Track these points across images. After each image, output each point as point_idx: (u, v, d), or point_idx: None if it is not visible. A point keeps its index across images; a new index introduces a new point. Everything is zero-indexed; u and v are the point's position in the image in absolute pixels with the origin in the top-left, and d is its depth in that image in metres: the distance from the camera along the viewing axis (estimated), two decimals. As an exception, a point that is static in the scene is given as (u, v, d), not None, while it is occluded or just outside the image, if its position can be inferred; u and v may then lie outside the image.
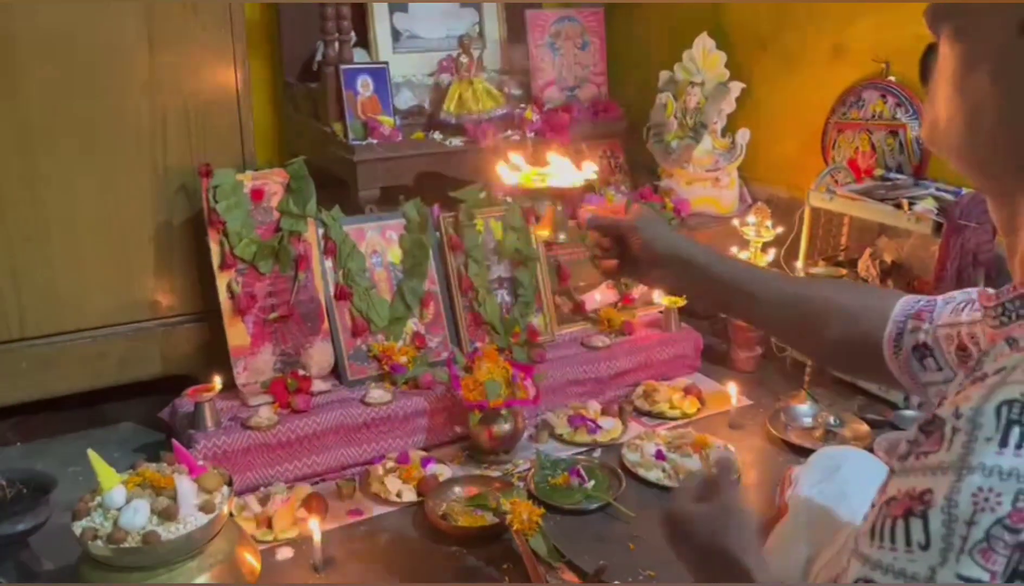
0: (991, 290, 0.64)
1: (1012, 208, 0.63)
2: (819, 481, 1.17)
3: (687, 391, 2.03)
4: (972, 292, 0.89)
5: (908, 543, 0.50)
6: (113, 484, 1.28)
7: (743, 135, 2.41)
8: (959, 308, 0.89)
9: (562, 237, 1.19)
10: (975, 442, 0.49)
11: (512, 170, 1.21)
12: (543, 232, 1.22)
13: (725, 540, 0.92)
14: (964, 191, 1.89)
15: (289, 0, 2.46)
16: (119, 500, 1.27)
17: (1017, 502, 0.47)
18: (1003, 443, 0.48)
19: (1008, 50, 0.58)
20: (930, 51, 0.66)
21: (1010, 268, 0.65)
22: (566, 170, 1.19)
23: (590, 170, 1.20)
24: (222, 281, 1.79)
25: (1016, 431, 0.48)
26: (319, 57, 2.36)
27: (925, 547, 0.49)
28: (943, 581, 0.48)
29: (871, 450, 1.73)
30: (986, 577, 0.47)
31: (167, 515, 1.25)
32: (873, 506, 0.56)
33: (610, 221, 1.12)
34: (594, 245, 1.14)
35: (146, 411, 1.93)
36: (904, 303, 0.95)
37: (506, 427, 1.77)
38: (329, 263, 1.90)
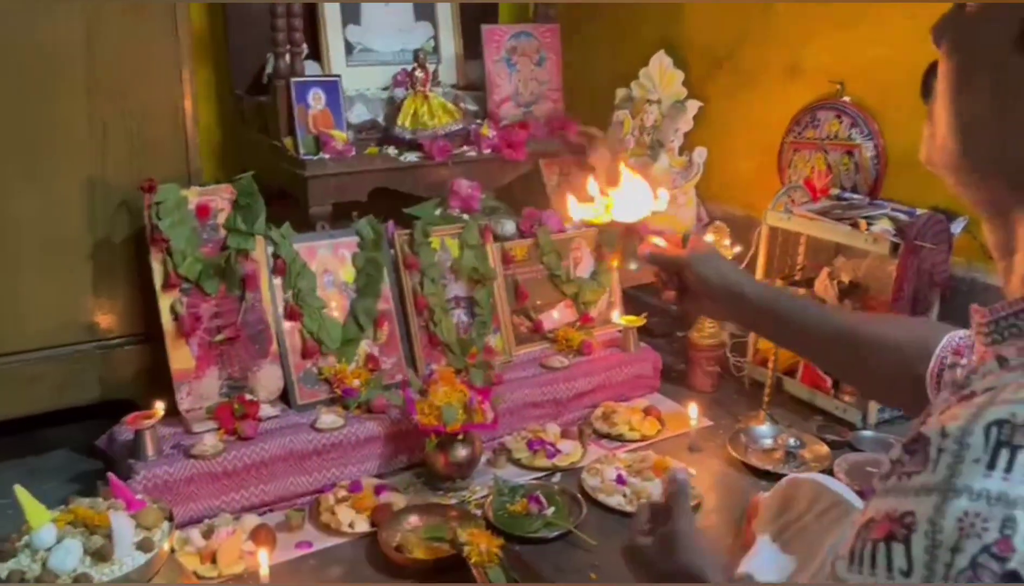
0: (983, 307, 0.62)
1: (1008, 229, 0.61)
2: (786, 506, 1.15)
3: (647, 412, 2.00)
4: None
5: (889, 569, 0.47)
6: (42, 522, 1.20)
7: (700, 154, 2.40)
8: None
9: (634, 267, 1.23)
10: (962, 463, 0.47)
11: (581, 203, 1.25)
12: (614, 263, 1.28)
13: (678, 563, 0.92)
14: (919, 212, 1.90)
15: (237, 0, 2.38)
16: (48, 540, 1.18)
17: (1005, 529, 0.44)
18: (991, 465, 0.46)
19: (1004, 65, 0.57)
20: (932, 69, 0.65)
21: (1004, 288, 0.63)
22: (636, 199, 1.23)
23: (663, 199, 1.24)
24: (165, 302, 1.71)
25: (1005, 453, 0.46)
26: (269, 69, 2.29)
27: (907, 573, 0.46)
28: None
29: (831, 471, 1.73)
30: None
31: (101, 556, 1.17)
32: (852, 528, 0.53)
33: (667, 257, 1.16)
34: (656, 278, 1.19)
35: (83, 438, 1.84)
36: (949, 338, 0.96)
37: (463, 453, 1.71)
38: (278, 282, 1.83)
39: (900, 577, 0.47)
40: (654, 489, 1.70)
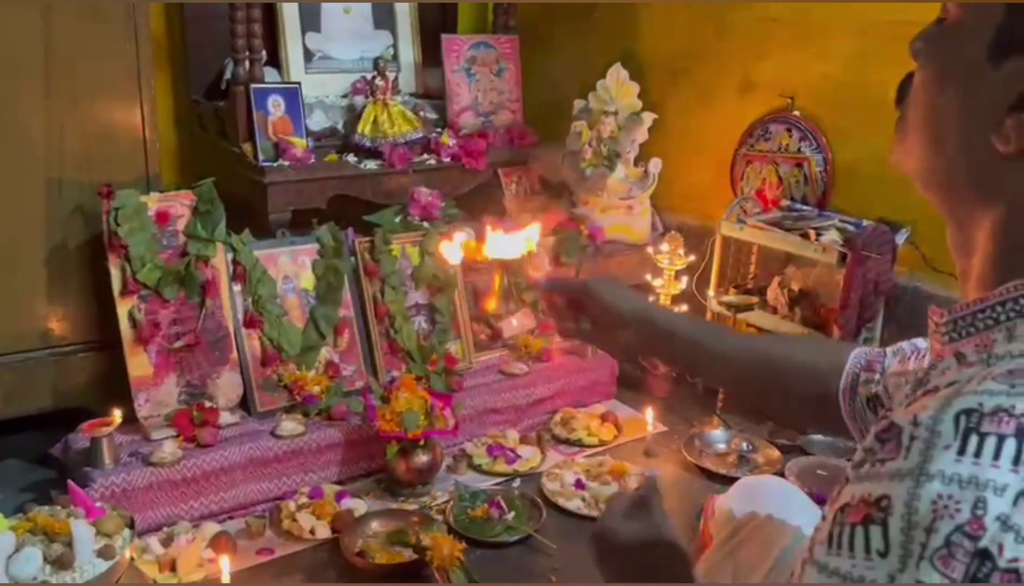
0: (940, 308, 0.66)
1: (969, 232, 0.65)
2: (741, 507, 1.19)
3: (604, 418, 2.04)
4: (919, 342, 0.92)
5: (867, 550, 0.50)
6: (0, 531, 1.18)
7: (655, 164, 2.45)
8: (907, 357, 0.92)
9: (511, 308, 1.20)
10: (934, 449, 0.50)
11: (454, 249, 1.23)
12: (490, 305, 1.23)
13: (656, 560, 0.93)
14: (865, 223, 1.98)
15: (197, 0, 2.37)
16: (7, 547, 1.17)
17: (976, 509, 0.47)
18: (961, 451, 0.49)
19: (975, 75, 0.60)
20: (909, 78, 0.68)
21: (962, 288, 0.66)
22: (507, 241, 1.16)
23: (533, 234, 1.16)
24: (123, 308, 1.69)
25: (974, 439, 0.49)
26: (228, 75, 2.28)
27: (884, 554, 0.49)
28: None
29: (782, 474, 1.78)
30: (945, 583, 0.47)
31: (62, 564, 1.16)
32: (824, 517, 0.56)
33: (565, 283, 1.13)
34: (550, 310, 1.12)
35: (35, 447, 1.81)
36: (856, 356, 0.97)
37: (424, 459, 1.73)
38: (238, 289, 1.82)
39: (878, 557, 0.49)
40: (612, 493, 1.74)
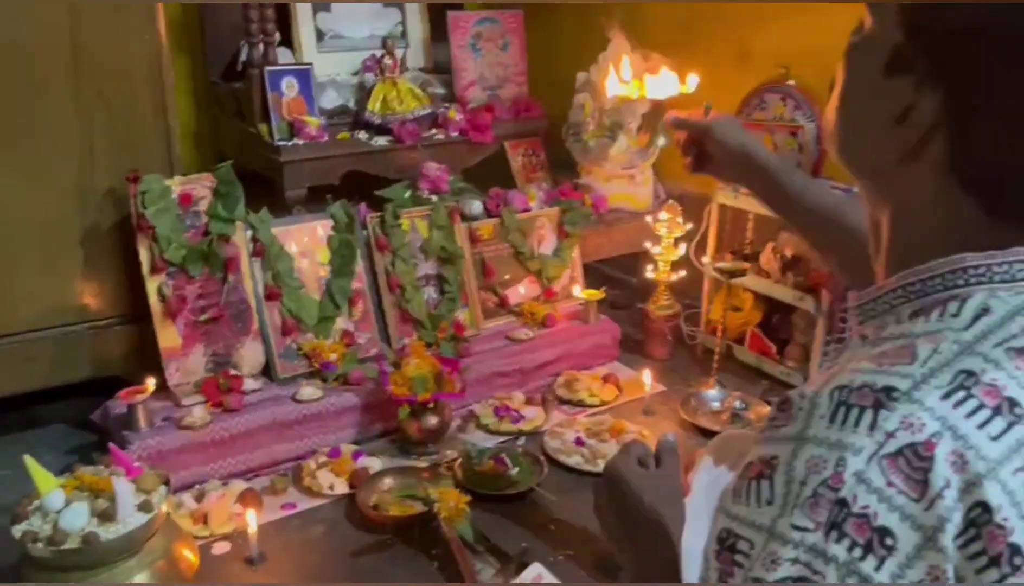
0: (856, 292, 0.75)
1: (876, 220, 0.74)
2: (716, 465, 1.29)
3: (605, 379, 2.15)
4: None
5: (758, 500, 0.60)
6: (51, 488, 1.33)
7: (659, 136, 2.52)
8: None
9: (662, 142, 1.37)
10: (812, 418, 0.60)
11: (617, 82, 1.42)
12: (644, 142, 1.38)
13: (661, 508, 1.05)
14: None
15: (210, -1, 2.47)
16: (58, 503, 1.31)
17: (838, 467, 0.57)
18: (831, 419, 0.59)
19: (873, 87, 0.68)
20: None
21: (874, 270, 0.75)
22: (666, 82, 1.38)
23: (692, 82, 1.41)
24: (152, 285, 1.82)
25: (842, 410, 0.59)
26: (243, 58, 2.38)
27: (770, 502, 0.60)
28: (781, 529, 0.58)
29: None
30: (811, 526, 0.57)
31: (106, 516, 1.30)
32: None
33: (692, 121, 1.28)
34: (676, 144, 1.32)
35: (78, 413, 1.95)
36: None
37: (434, 420, 1.85)
38: (258, 264, 1.94)
39: (766, 505, 0.60)
40: (610, 449, 1.85)
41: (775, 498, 0.59)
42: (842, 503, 0.56)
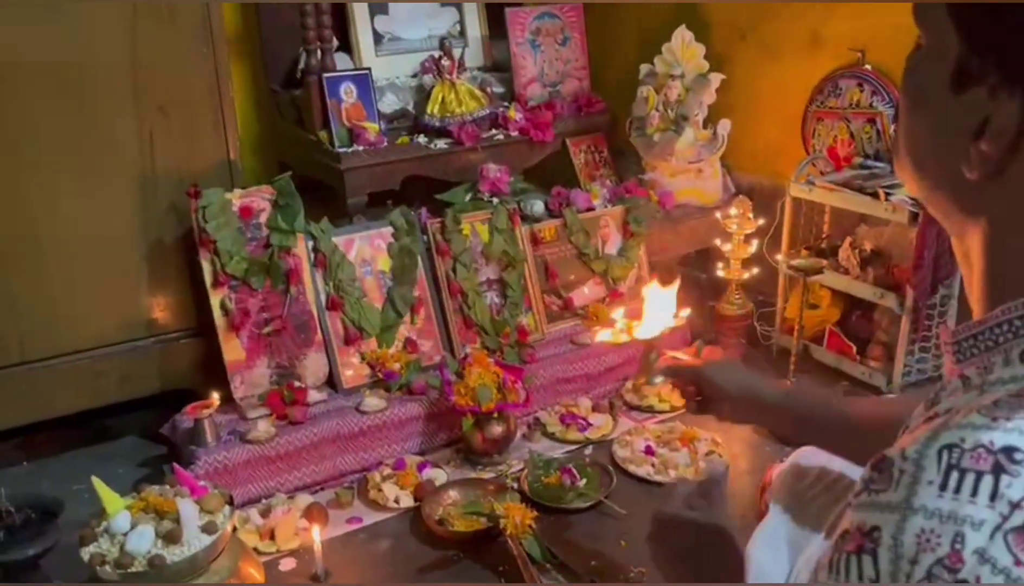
0: (951, 327, 0.68)
1: (966, 244, 0.66)
2: (784, 513, 1.22)
3: (675, 384, 2.07)
4: None
5: (860, 577, 0.54)
6: (118, 510, 1.33)
7: (724, 126, 2.43)
8: None
9: (658, 380, 1.37)
10: (919, 484, 0.53)
11: (605, 330, 1.50)
12: (640, 380, 1.56)
13: (704, 552, 0.99)
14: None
15: (266, 0, 2.46)
16: (124, 525, 1.31)
17: (955, 544, 0.50)
18: (943, 487, 0.52)
19: (941, 103, 0.62)
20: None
21: (970, 303, 0.67)
22: (654, 320, 1.40)
23: (683, 314, 1.44)
24: (215, 298, 1.83)
25: (954, 476, 0.52)
26: (302, 65, 2.37)
27: (875, 581, 0.53)
28: None
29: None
30: None
31: (171, 538, 1.30)
32: (830, 537, 0.60)
33: (684, 368, 1.27)
34: (675, 387, 1.33)
35: (148, 424, 1.97)
36: None
37: (498, 430, 1.81)
38: (320, 275, 1.93)
39: (869, 585, 0.53)
40: (682, 459, 1.79)
41: (880, 577, 0.53)
42: None
